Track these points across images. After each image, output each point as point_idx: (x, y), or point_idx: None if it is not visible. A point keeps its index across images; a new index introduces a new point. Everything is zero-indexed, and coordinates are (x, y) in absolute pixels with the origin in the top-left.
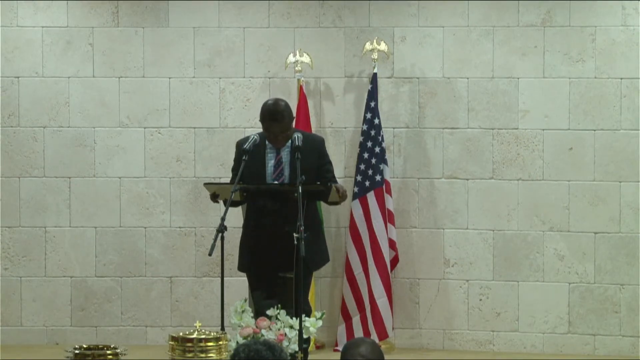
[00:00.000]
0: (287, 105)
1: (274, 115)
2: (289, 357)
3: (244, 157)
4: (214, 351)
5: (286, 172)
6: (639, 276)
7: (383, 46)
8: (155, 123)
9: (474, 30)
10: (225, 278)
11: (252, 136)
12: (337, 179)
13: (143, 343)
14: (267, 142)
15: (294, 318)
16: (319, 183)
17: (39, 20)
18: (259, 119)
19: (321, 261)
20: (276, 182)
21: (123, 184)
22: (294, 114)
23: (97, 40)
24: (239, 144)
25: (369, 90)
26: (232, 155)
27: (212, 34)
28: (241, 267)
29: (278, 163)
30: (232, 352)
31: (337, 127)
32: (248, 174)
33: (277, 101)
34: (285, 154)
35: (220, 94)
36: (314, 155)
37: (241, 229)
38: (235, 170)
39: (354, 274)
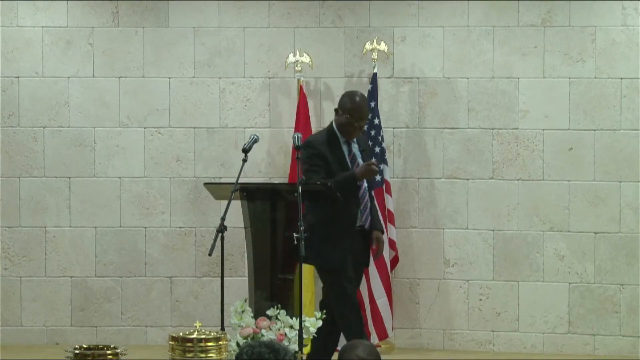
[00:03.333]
0: None
1: (367, 110)
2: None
3: (243, 159)
4: (214, 351)
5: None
6: (639, 276)
7: (383, 46)
8: (155, 123)
9: (474, 30)
10: (225, 278)
11: (252, 136)
12: None
13: (143, 343)
14: (339, 138)
15: (295, 318)
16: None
17: (39, 20)
18: (340, 107)
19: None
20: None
21: (123, 184)
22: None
23: (97, 40)
24: (312, 144)
25: (369, 90)
26: (232, 155)
27: (212, 34)
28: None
29: (352, 156)
30: (238, 351)
31: None
32: (334, 168)
33: (365, 96)
34: (354, 149)
35: (220, 94)
36: (368, 150)
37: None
38: (317, 166)
39: None
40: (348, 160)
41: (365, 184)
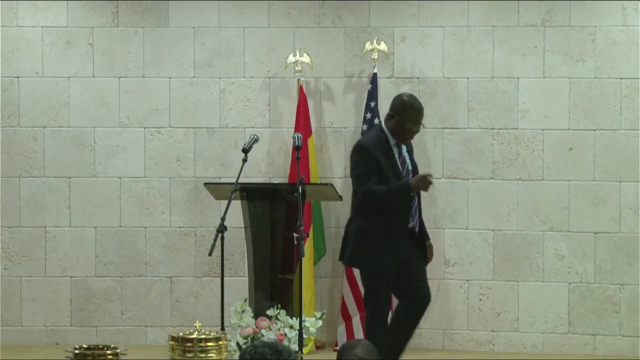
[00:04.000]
0: None
1: (422, 112)
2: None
3: (243, 158)
4: (214, 351)
5: (410, 167)
6: (639, 276)
7: (383, 46)
8: (155, 123)
9: (474, 30)
10: (225, 278)
11: (252, 136)
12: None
13: (143, 343)
14: (389, 140)
15: (294, 318)
16: (320, 183)
17: (39, 20)
18: (394, 110)
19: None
20: (406, 178)
21: (123, 184)
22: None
23: (97, 40)
24: (366, 148)
25: (369, 90)
26: (232, 155)
27: (212, 34)
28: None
29: (402, 159)
30: (241, 351)
31: (337, 127)
32: (385, 172)
33: (417, 99)
34: (403, 151)
35: (220, 94)
36: (412, 150)
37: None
38: (369, 171)
39: (354, 274)
40: (399, 163)
41: None
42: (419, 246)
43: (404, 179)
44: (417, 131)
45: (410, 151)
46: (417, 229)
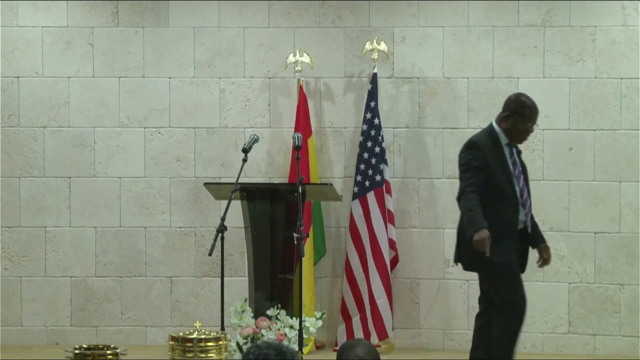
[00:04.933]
0: None
1: (538, 111)
2: None
3: (243, 158)
4: (214, 351)
5: (520, 169)
6: (639, 276)
7: (383, 46)
8: (155, 123)
9: (474, 30)
10: (225, 278)
11: (252, 136)
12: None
13: (143, 343)
14: (501, 140)
15: (294, 318)
16: (320, 183)
17: (39, 20)
18: (510, 110)
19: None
20: (516, 179)
21: (123, 184)
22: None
23: (97, 40)
24: (477, 145)
25: (369, 90)
26: (232, 155)
27: (212, 34)
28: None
29: (513, 160)
30: (245, 351)
31: (337, 127)
32: (495, 172)
33: (531, 99)
34: (514, 152)
35: (220, 94)
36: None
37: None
38: (476, 169)
39: (354, 274)
40: (510, 163)
41: (524, 184)
42: (524, 257)
43: (514, 178)
44: (532, 130)
45: (519, 153)
46: (529, 230)
